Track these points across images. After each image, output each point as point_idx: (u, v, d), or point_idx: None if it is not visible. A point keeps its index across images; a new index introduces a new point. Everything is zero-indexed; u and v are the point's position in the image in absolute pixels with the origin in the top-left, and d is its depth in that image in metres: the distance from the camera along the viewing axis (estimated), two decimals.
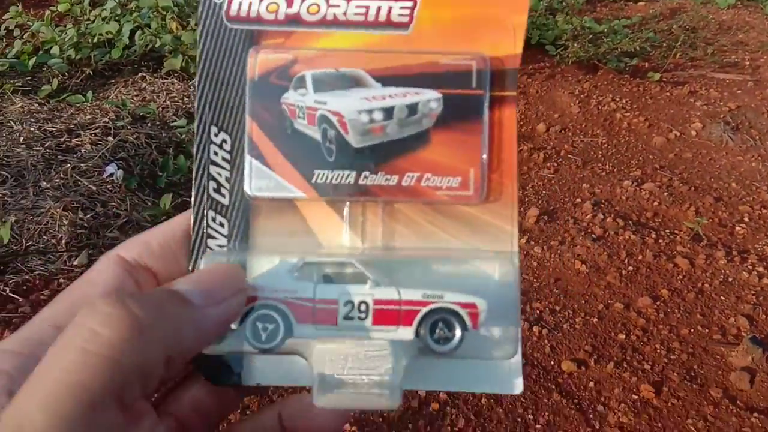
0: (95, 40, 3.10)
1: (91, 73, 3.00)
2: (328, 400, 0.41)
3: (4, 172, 2.16)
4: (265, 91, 0.45)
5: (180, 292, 0.38)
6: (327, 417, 0.42)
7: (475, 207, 0.45)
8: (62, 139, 2.40)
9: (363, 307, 0.42)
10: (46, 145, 2.35)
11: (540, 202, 2.52)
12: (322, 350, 0.41)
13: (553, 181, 2.67)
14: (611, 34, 3.85)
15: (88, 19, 3.30)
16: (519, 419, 1.60)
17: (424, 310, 0.42)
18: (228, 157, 0.46)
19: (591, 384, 1.71)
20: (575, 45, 3.62)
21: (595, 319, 1.93)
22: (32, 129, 2.44)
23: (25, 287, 1.86)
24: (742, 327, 1.91)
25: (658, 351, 1.83)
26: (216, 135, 0.46)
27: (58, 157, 2.30)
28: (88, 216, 2.06)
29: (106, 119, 2.55)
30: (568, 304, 1.99)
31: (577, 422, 1.60)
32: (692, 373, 1.76)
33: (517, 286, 0.43)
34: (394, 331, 0.42)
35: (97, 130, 2.47)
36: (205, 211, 0.45)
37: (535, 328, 1.87)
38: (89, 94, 2.78)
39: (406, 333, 0.42)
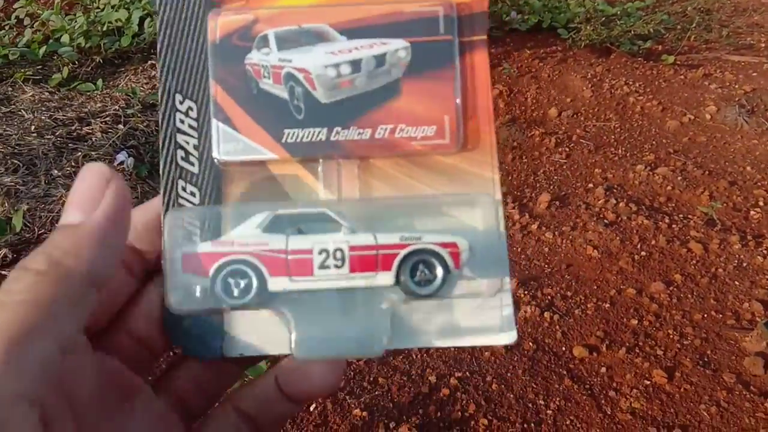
0: (105, 29, 3.10)
1: (101, 61, 3.00)
2: (309, 350, 0.40)
3: (15, 161, 2.17)
4: (228, 53, 0.44)
5: (61, 222, 0.38)
6: (321, 374, 0.41)
7: (453, 156, 0.44)
8: (73, 128, 2.41)
9: (339, 255, 0.40)
10: (57, 133, 2.36)
11: (551, 187, 2.50)
12: (299, 304, 0.41)
13: (564, 167, 2.65)
14: (624, 16, 3.79)
15: (98, 7, 3.29)
16: (530, 404, 1.60)
17: (403, 252, 0.41)
18: (195, 124, 0.45)
19: (603, 369, 1.70)
20: (588, 28, 3.57)
21: (607, 305, 1.91)
22: (43, 117, 2.45)
23: None
24: (756, 312, 1.89)
25: (671, 336, 1.81)
26: (181, 102, 0.45)
27: (69, 145, 2.31)
28: None
29: (117, 107, 2.56)
30: (579, 289, 1.97)
31: (588, 408, 1.60)
32: (705, 359, 1.74)
33: (499, 224, 0.42)
34: (373, 278, 0.41)
35: (108, 118, 2.47)
36: (175, 181, 0.44)
37: (547, 314, 1.86)
38: (99, 83, 2.79)
39: (386, 278, 0.41)
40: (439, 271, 0.41)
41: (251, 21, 0.44)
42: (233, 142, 0.44)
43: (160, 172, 0.44)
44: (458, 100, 0.44)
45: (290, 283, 0.40)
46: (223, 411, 0.44)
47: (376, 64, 0.44)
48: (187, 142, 0.44)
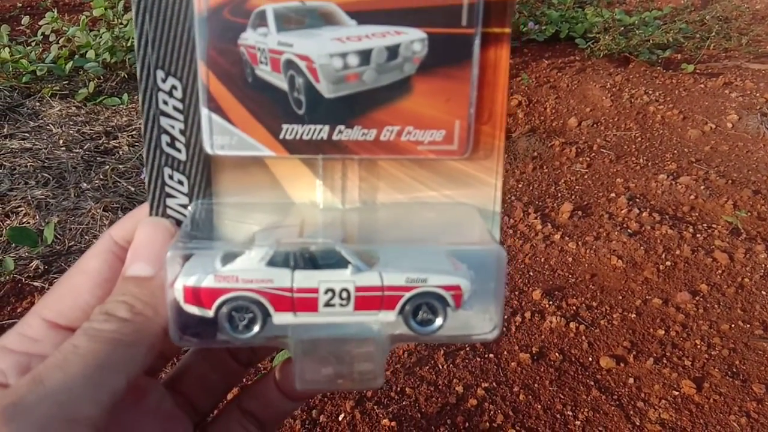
0: (129, 44, 3.15)
1: (126, 76, 3.05)
2: (309, 383, 0.40)
3: (46, 174, 2.21)
4: (219, 30, 0.38)
5: (132, 273, 0.40)
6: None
7: (461, 161, 0.42)
8: (100, 141, 2.45)
9: (344, 295, 0.38)
10: (85, 147, 2.40)
11: (573, 197, 2.50)
12: (302, 340, 0.40)
13: (586, 176, 2.65)
14: (642, 26, 3.80)
15: (121, 23, 3.36)
16: (558, 415, 1.60)
17: (408, 295, 0.39)
18: (180, 106, 0.40)
19: (630, 380, 1.70)
20: (606, 38, 3.58)
21: (633, 315, 1.91)
22: (71, 132, 2.50)
23: None
24: None
25: (699, 347, 1.80)
26: (164, 81, 0.40)
27: (97, 158, 2.35)
28: None
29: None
30: (605, 299, 1.97)
31: (617, 418, 1.59)
32: (734, 369, 1.73)
33: (499, 264, 0.40)
34: (376, 315, 0.39)
35: (134, 132, 2.51)
36: (161, 169, 0.41)
37: (572, 324, 1.86)
38: (125, 97, 2.84)
39: (388, 316, 0.40)
40: (440, 314, 0.40)
41: None
42: (226, 136, 0.40)
43: (144, 158, 0.41)
44: (472, 104, 0.40)
45: (294, 318, 0.39)
46: (229, 409, 0.48)
47: (388, 57, 0.39)
48: (173, 126, 0.40)
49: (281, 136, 0.40)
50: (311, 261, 0.39)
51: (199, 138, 0.41)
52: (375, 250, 0.40)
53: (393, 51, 0.39)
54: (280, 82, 0.39)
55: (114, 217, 2.09)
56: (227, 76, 0.39)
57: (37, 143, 2.41)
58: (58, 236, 2.01)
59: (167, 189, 0.42)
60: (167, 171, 0.41)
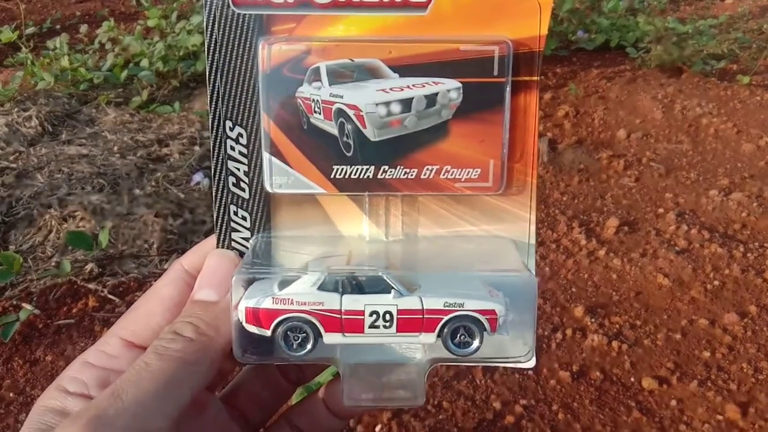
0: (181, 53, 3.25)
1: (178, 84, 3.14)
2: (356, 401, 0.44)
3: (101, 180, 2.30)
4: (279, 84, 0.44)
5: (199, 297, 0.45)
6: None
7: (496, 196, 0.46)
8: (153, 149, 2.54)
9: (388, 317, 0.42)
10: (138, 154, 2.49)
11: (620, 211, 2.46)
12: (350, 360, 0.44)
13: (633, 190, 2.60)
14: (696, 35, 3.70)
15: (174, 32, 3.46)
16: None
17: (446, 318, 0.43)
18: (245, 151, 0.46)
19: (673, 402, 1.66)
20: (658, 47, 3.50)
21: (678, 336, 1.87)
22: (125, 139, 2.59)
23: (121, 289, 1.98)
24: None
25: (745, 370, 1.75)
26: (231, 129, 0.45)
27: (150, 165, 2.43)
28: (178, 222, 2.18)
29: (193, 129, 2.68)
30: (649, 318, 1.93)
31: None
32: None
33: (532, 292, 0.44)
34: (417, 337, 0.43)
35: (185, 140, 2.59)
36: (227, 206, 0.46)
37: (615, 343, 1.83)
38: (176, 105, 2.92)
39: (428, 338, 0.43)
40: (477, 336, 0.43)
41: (303, 52, 0.44)
42: (284, 176, 0.45)
43: (213, 196, 0.47)
44: (505, 144, 0.45)
45: (343, 338, 0.43)
46: (278, 425, 0.52)
47: (427, 104, 0.44)
48: (238, 169, 0.46)
49: (332, 176, 0.45)
50: (358, 286, 0.43)
51: (261, 179, 0.46)
52: (416, 277, 0.44)
53: (431, 99, 0.44)
54: (332, 128, 0.45)
55: (165, 223, 2.16)
56: (286, 124, 0.45)
57: (93, 150, 2.51)
58: (112, 240, 2.09)
59: (232, 224, 0.47)
60: (233, 208, 0.47)
